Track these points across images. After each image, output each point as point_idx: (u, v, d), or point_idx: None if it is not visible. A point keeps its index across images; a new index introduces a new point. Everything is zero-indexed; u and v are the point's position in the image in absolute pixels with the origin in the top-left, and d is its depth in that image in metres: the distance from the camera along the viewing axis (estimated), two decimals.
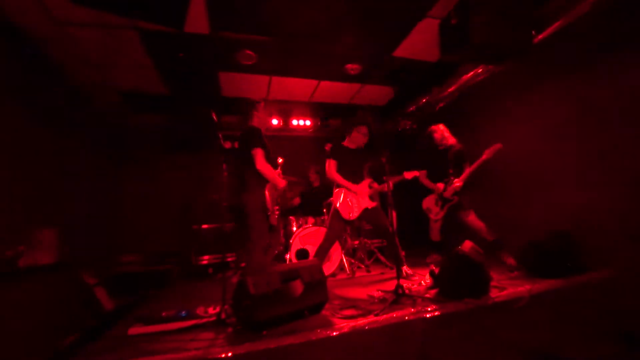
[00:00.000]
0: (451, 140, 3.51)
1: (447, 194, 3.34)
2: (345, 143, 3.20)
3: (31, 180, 2.90)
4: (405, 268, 3.12)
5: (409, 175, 3.29)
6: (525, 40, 2.76)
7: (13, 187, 2.66)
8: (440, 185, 3.43)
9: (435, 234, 3.54)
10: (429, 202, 3.63)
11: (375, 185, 3.19)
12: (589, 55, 2.90)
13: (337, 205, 3.00)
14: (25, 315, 2.03)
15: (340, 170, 3.07)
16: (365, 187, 3.10)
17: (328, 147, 3.30)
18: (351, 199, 3.01)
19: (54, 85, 3.43)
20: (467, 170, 3.23)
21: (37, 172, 2.99)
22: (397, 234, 3.04)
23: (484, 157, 3.09)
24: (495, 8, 2.59)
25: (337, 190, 3.08)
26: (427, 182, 3.58)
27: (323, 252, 3.00)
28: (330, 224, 3.07)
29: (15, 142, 2.74)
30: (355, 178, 3.08)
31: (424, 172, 3.59)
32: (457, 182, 3.24)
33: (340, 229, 3.11)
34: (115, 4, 1.95)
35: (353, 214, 2.99)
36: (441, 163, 3.44)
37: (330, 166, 3.08)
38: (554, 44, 2.91)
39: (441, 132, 3.54)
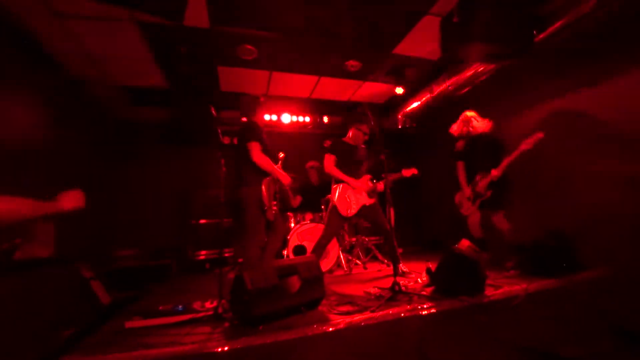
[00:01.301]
0: (482, 127, 3.16)
1: (480, 189, 3.08)
2: (346, 139, 3.20)
3: (29, 172, 2.89)
4: (401, 265, 3.13)
5: (407, 172, 3.27)
6: (526, 39, 2.76)
7: (11, 179, 2.64)
8: (467, 191, 3.23)
9: (475, 230, 3.23)
10: (461, 196, 3.33)
11: (374, 181, 3.18)
12: (591, 55, 2.90)
13: (335, 201, 3.00)
14: (21, 309, 2.03)
15: (339, 166, 3.06)
16: (364, 183, 3.10)
17: (327, 143, 3.28)
18: (349, 195, 3.01)
19: (52, 78, 3.40)
20: (505, 162, 2.89)
21: (35, 165, 2.97)
22: (394, 231, 3.05)
23: (523, 147, 2.78)
24: (496, 7, 2.58)
25: (335, 186, 3.08)
26: (461, 176, 3.31)
27: (320, 248, 3.01)
28: (328, 220, 3.07)
29: (14, 134, 2.72)
30: (354, 174, 3.08)
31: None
32: (495, 172, 2.92)
33: (338, 225, 3.11)
34: None
35: (351, 210, 2.99)
36: (478, 154, 3.15)
37: (329, 161, 3.06)
38: (555, 43, 2.90)
39: (470, 118, 3.20)
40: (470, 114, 3.22)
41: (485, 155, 3.06)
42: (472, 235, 3.23)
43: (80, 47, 3.20)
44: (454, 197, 3.43)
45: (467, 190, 3.23)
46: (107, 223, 4.37)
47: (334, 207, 3.00)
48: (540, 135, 2.73)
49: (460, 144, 3.34)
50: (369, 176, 3.17)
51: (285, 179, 2.71)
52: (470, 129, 3.17)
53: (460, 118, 3.26)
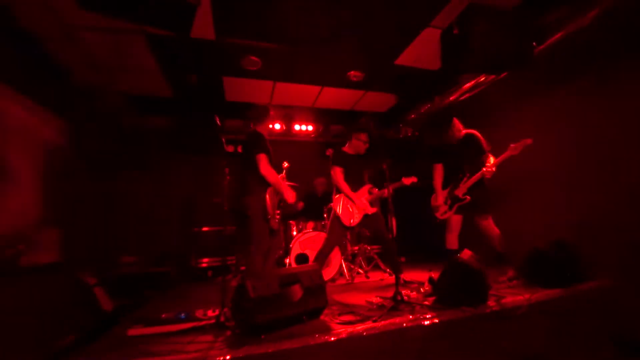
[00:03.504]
0: (464, 132, 3.13)
1: (459, 192, 3.04)
2: (345, 149, 3.23)
3: (34, 179, 2.93)
4: (402, 275, 3.12)
5: (407, 181, 3.28)
6: (526, 51, 2.81)
7: (16, 186, 2.68)
8: (441, 196, 3.20)
9: (452, 242, 3.16)
10: (435, 200, 3.26)
11: (375, 190, 3.20)
12: (589, 67, 2.93)
13: (338, 211, 3.01)
14: (25, 315, 2.04)
15: (346, 179, 3.08)
16: (365, 193, 3.12)
17: (329, 152, 3.31)
18: (352, 205, 3.03)
19: (61, 86, 3.48)
20: (497, 160, 2.85)
21: (40, 172, 3.02)
22: (396, 240, 3.05)
23: (509, 152, 2.74)
24: (496, 19, 2.63)
25: (337, 196, 3.10)
26: (437, 180, 3.25)
27: (323, 257, 3.01)
28: (331, 229, 3.08)
29: (21, 141, 2.78)
30: (356, 184, 3.10)
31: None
32: (490, 167, 2.84)
33: (340, 234, 3.12)
34: (122, 10, 1.99)
35: (354, 220, 3.00)
36: (458, 159, 3.11)
37: (337, 173, 3.08)
38: (554, 54, 2.95)
39: (457, 124, 3.17)
40: (456, 120, 3.19)
41: (466, 158, 3.02)
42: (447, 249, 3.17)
43: (88, 56, 3.29)
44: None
45: (441, 195, 3.20)
46: (111, 230, 4.40)
47: (337, 217, 3.02)
48: (528, 141, 2.69)
49: (439, 148, 3.33)
50: (369, 185, 3.18)
51: (291, 197, 2.72)
52: (456, 132, 3.14)
53: (456, 123, 3.20)
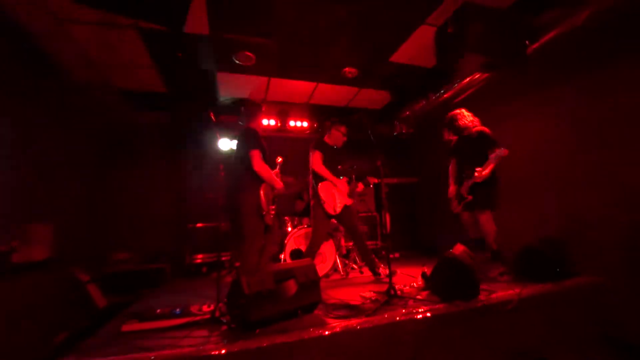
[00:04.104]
0: (470, 122, 3.06)
1: (463, 191, 3.04)
2: (325, 139, 3.25)
3: (27, 175, 2.89)
4: (381, 271, 3.19)
5: (371, 180, 3.36)
6: (519, 49, 2.84)
7: (8, 182, 2.65)
8: (452, 190, 3.21)
9: (469, 229, 3.16)
10: (451, 194, 3.25)
11: (354, 182, 3.24)
12: (581, 67, 2.97)
13: (322, 198, 3.03)
14: (18, 312, 2.03)
15: (325, 165, 3.11)
16: (344, 183, 3.14)
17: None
18: (335, 193, 3.06)
19: (54, 82, 3.42)
20: (487, 169, 2.79)
21: (33, 168, 2.98)
22: (390, 236, 3.09)
23: (491, 162, 2.75)
24: (490, 18, 2.66)
25: (320, 185, 3.09)
26: (450, 174, 3.25)
27: (311, 255, 3.07)
28: (315, 225, 3.10)
29: (13, 138, 2.74)
30: (333, 174, 3.13)
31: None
32: (480, 172, 2.78)
33: (324, 226, 3.14)
34: (116, 4, 1.97)
35: (337, 208, 3.04)
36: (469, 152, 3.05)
37: (317, 158, 3.06)
38: (547, 54, 2.98)
39: (458, 113, 3.13)
40: (458, 110, 3.15)
41: (473, 156, 2.95)
42: (468, 234, 3.19)
43: (82, 52, 3.24)
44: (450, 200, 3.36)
45: (452, 189, 3.21)
46: (105, 226, 4.36)
47: (320, 205, 3.03)
48: (504, 152, 2.66)
49: (453, 140, 3.31)
50: (346, 178, 3.22)
51: (278, 184, 2.75)
52: (461, 123, 3.08)
53: (449, 116, 3.19)
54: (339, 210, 3.04)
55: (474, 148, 2.97)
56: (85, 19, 2.70)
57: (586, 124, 2.93)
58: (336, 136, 3.19)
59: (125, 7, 1.95)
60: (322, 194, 3.06)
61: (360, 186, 3.37)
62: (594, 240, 2.76)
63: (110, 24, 2.78)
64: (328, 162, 3.14)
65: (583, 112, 2.96)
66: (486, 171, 2.79)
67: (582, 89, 2.97)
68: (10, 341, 1.82)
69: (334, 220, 3.31)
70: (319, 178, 3.12)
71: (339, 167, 3.26)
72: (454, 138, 3.29)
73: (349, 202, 3.09)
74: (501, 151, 2.68)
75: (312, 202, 3.20)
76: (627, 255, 2.53)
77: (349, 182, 3.22)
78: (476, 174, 2.82)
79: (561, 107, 3.15)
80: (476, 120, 3.09)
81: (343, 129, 3.20)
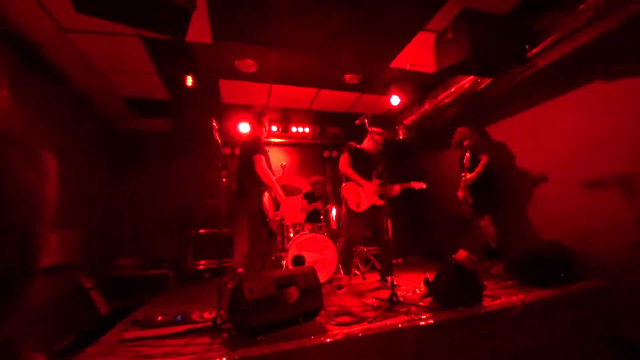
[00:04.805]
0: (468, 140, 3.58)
1: (465, 195, 3.43)
2: (361, 146, 3.35)
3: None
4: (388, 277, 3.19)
5: (416, 185, 3.38)
6: (519, 54, 2.84)
7: None
8: (460, 194, 3.54)
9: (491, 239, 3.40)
10: (460, 198, 3.62)
11: (386, 185, 3.27)
12: (582, 70, 2.97)
13: (346, 196, 3.12)
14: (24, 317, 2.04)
15: (352, 167, 3.20)
16: (375, 185, 3.20)
17: (326, 154, 3.44)
18: (359, 193, 3.13)
19: (57, 89, 3.48)
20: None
21: None
22: (392, 241, 3.10)
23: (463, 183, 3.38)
24: (490, 23, 2.67)
25: (345, 184, 3.21)
26: (462, 187, 3.57)
27: (347, 253, 3.16)
28: (345, 223, 3.19)
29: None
30: (365, 177, 3.20)
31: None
32: (469, 177, 3.38)
33: (353, 224, 3.15)
34: (118, 14, 2.00)
35: (361, 205, 3.09)
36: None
37: (345, 160, 3.19)
38: (547, 58, 2.98)
39: (461, 133, 3.64)
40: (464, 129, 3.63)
41: (472, 162, 3.40)
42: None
43: (84, 59, 3.29)
44: (452, 206, 3.81)
45: (460, 193, 3.53)
46: (108, 232, 4.39)
47: (345, 205, 3.13)
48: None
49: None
50: (378, 181, 3.25)
51: (282, 201, 2.79)
52: (461, 140, 3.60)
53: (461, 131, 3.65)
54: (363, 208, 3.10)
55: (472, 156, 3.44)
56: (88, 27, 2.76)
57: (590, 126, 2.93)
58: (373, 142, 3.24)
59: (126, 17, 1.98)
60: (344, 192, 3.19)
61: (397, 189, 3.39)
62: (598, 243, 2.72)
63: (112, 32, 2.84)
64: (360, 166, 3.24)
65: (586, 115, 2.95)
66: (471, 175, 3.34)
67: (584, 92, 2.97)
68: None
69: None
70: (346, 179, 3.27)
71: (375, 171, 3.31)
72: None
73: (379, 202, 3.14)
74: (485, 157, 3.29)
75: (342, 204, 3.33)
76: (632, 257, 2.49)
77: (380, 185, 3.25)
78: (464, 178, 3.36)
79: (563, 109, 3.15)
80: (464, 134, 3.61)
81: (380, 138, 3.29)
